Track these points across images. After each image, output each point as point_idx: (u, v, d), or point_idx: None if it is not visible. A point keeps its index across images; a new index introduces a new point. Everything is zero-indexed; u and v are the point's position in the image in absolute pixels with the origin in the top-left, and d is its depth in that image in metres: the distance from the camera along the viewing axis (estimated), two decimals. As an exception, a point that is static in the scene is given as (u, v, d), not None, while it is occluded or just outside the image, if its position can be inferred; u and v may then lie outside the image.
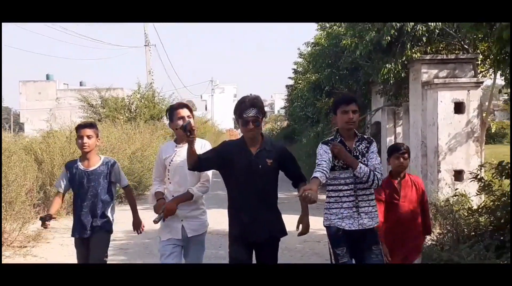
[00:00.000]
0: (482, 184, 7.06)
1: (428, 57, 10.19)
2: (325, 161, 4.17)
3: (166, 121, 5.17)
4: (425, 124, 10.02)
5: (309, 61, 20.94)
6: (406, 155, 5.01)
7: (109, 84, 25.79)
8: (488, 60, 10.48)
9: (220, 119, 54.23)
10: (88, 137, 5.07)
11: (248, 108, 4.24)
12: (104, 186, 5.09)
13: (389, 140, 14.19)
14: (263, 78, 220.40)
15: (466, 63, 10.01)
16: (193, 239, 4.73)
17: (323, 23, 17.18)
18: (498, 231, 6.42)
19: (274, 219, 4.37)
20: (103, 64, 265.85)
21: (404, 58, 10.54)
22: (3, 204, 8.21)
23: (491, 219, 6.71)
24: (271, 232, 4.30)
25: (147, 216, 5.03)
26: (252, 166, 4.26)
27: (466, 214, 7.11)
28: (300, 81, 23.73)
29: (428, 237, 5.91)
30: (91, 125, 5.19)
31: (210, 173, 4.71)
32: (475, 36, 8.54)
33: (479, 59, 10.50)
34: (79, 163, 5.14)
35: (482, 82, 10.06)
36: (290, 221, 4.49)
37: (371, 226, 4.33)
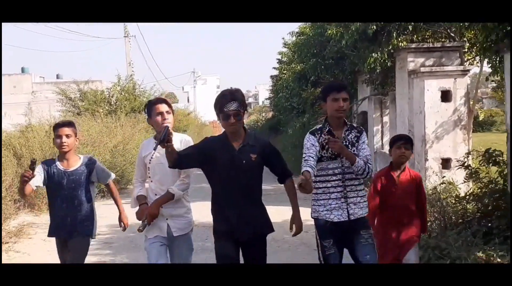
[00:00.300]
0: (469, 171, 7.26)
1: (414, 45, 10.34)
2: (312, 157, 4.17)
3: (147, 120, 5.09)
4: (412, 112, 10.18)
5: (294, 51, 21.01)
6: (408, 146, 4.93)
7: (88, 76, 25.70)
8: (474, 47, 10.67)
9: (203, 111, 54.21)
10: (67, 136, 4.98)
11: (229, 102, 4.19)
12: (85, 187, 5.02)
13: (375, 130, 14.40)
14: (246, 69, 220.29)
15: (452, 51, 10.16)
16: (179, 238, 4.69)
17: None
18: (485, 218, 6.63)
19: (259, 214, 4.34)
20: (81, 57, 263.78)
21: (390, 47, 10.69)
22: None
23: (479, 206, 6.91)
24: (256, 229, 4.28)
25: (130, 211, 5.01)
26: (236, 161, 4.22)
27: (453, 201, 7.30)
28: (285, 71, 23.82)
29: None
30: (69, 124, 5.10)
31: (190, 168, 4.63)
32: (461, 24, 8.71)
33: (466, 47, 10.68)
34: (57, 163, 5.04)
35: (468, 70, 10.24)
36: (277, 212, 4.54)
37: (361, 216, 4.32)
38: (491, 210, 6.58)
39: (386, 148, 13.88)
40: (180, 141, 4.68)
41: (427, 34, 11.32)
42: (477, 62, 10.94)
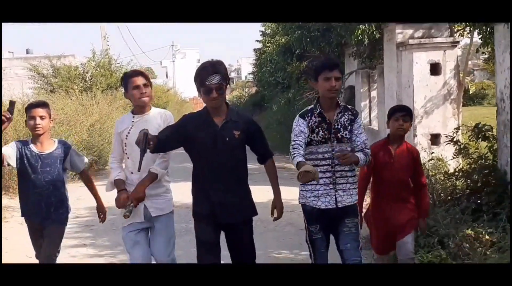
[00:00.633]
0: (458, 147, 7.39)
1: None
2: (301, 146, 4.16)
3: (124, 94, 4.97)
4: (401, 86, 10.26)
5: (278, 22, 21.02)
6: (407, 118, 4.83)
7: (60, 51, 25.42)
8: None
9: (182, 87, 53.98)
10: (41, 117, 4.86)
11: (211, 75, 4.08)
12: (59, 171, 4.94)
13: (363, 105, 14.53)
14: (228, 42, 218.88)
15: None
16: (159, 219, 4.59)
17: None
18: (474, 194, 6.72)
19: (244, 197, 4.30)
20: (51, 30, 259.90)
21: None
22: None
23: (468, 182, 7.02)
24: (241, 213, 4.24)
25: (105, 195, 4.92)
26: (218, 139, 4.14)
27: (442, 178, 7.44)
28: (269, 45, 23.79)
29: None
30: (43, 105, 4.98)
31: (174, 150, 4.51)
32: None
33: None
34: (31, 145, 4.92)
35: (458, 42, 10.31)
36: (261, 192, 4.58)
37: (349, 204, 4.31)
38: (480, 187, 6.69)
39: (374, 124, 14.05)
40: (160, 116, 4.64)
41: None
42: (468, 33, 11.03)
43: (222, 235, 4.35)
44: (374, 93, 14.00)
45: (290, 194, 4.55)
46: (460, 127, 8.81)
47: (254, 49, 29.96)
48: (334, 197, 4.27)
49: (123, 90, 4.74)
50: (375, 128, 13.58)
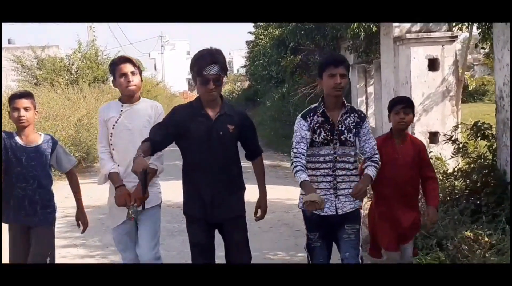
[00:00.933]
0: (457, 146, 7.45)
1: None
2: (303, 154, 4.09)
3: (112, 82, 4.84)
4: (398, 82, 10.30)
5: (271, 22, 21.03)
6: (408, 110, 4.69)
7: (45, 42, 25.27)
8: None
9: (172, 81, 53.93)
10: (25, 109, 4.70)
11: (209, 65, 3.98)
12: (45, 167, 4.78)
13: (360, 101, 14.61)
14: (219, 33, 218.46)
15: None
16: (145, 212, 4.46)
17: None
18: (474, 194, 6.73)
19: (239, 196, 4.28)
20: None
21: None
22: None
23: (467, 182, 7.03)
24: (234, 212, 4.21)
25: (98, 188, 4.84)
26: (212, 133, 4.08)
27: (441, 178, 7.49)
28: (262, 37, 23.84)
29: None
30: (28, 95, 4.81)
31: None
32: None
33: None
34: (16, 137, 4.74)
35: (457, 36, 10.35)
36: (255, 191, 4.56)
37: (351, 210, 4.21)
38: (479, 187, 6.70)
39: (371, 121, 14.12)
40: (151, 107, 4.60)
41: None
42: (467, 27, 11.10)
43: (218, 236, 4.36)
44: (371, 89, 14.07)
45: (286, 193, 4.58)
46: (459, 125, 8.87)
47: (247, 42, 30.03)
48: (334, 203, 4.18)
49: (112, 78, 4.68)
50: (372, 125, 13.64)
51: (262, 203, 4.39)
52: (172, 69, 69.55)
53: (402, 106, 4.69)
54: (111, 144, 4.56)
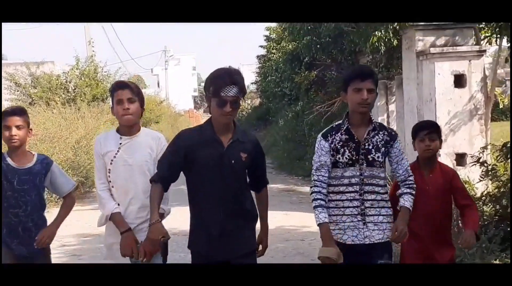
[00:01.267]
0: (485, 168, 7.47)
1: (423, 22, 10.51)
2: (324, 183, 4.02)
3: (110, 109, 4.80)
4: (421, 100, 10.30)
5: (284, 26, 21.09)
6: (434, 135, 4.53)
7: (40, 58, 25.38)
8: (492, 23, 10.86)
9: (176, 98, 54.19)
10: (18, 127, 4.63)
11: (228, 85, 3.88)
12: (39, 190, 4.74)
13: (381, 120, 14.61)
14: (228, 47, 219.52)
15: (466, 28, 10.24)
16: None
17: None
18: (503, 221, 6.75)
19: (252, 227, 4.17)
20: (30, 34, 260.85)
21: (395, 23, 10.87)
22: None
23: (496, 208, 7.08)
24: (244, 249, 4.08)
25: (98, 216, 4.71)
26: (224, 161, 3.97)
27: (468, 203, 7.51)
28: (274, 51, 23.99)
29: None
30: (21, 112, 4.75)
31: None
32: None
33: (482, 23, 10.84)
34: (8, 158, 4.69)
35: (485, 51, 10.40)
36: (270, 216, 4.58)
37: (381, 241, 4.07)
38: (510, 213, 6.70)
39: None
40: (153, 139, 4.49)
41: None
42: (496, 40, 11.15)
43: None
44: (392, 107, 14.06)
45: (300, 221, 4.59)
46: (488, 146, 8.89)
47: (257, 56, 30.12)
48: (362, 231, 4.05)
49: (111, 104, 4.58)
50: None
51: (263, 239, 4.30)
52: (176, 86, 69.86)
53: (426, 132, 4.55)
54: (110, 181, 4.43)
